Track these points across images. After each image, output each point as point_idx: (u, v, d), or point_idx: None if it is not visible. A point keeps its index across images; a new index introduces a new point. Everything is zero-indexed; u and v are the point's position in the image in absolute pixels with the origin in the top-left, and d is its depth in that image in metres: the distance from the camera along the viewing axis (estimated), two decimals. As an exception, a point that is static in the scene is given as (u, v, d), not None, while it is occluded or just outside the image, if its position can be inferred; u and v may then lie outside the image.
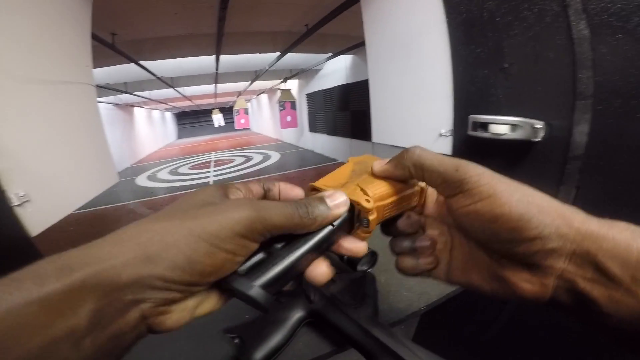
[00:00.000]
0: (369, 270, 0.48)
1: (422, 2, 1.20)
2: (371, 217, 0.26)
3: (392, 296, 0.56)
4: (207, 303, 0.22)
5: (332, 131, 6.85)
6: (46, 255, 0.16)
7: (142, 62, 3.77)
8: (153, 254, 0.17)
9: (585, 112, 0.75)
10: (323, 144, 7.66)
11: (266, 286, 0.21)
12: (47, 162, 1.01)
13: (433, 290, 0.55)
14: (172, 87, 6.20)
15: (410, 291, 0.56)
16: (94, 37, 2.45)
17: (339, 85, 6.12)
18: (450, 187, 0.24)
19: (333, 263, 0.54)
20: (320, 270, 0.25)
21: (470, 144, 1.07)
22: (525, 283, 0.22)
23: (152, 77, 5.01)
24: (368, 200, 0.26)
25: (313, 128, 8.06)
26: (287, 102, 7.76)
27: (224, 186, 0.24)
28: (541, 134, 0.83)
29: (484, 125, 0.93)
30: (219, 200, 0.22)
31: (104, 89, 5.34)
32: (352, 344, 0.42)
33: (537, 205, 0.21)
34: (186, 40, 3.31)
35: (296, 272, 0.24)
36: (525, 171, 0.91)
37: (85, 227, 3.75)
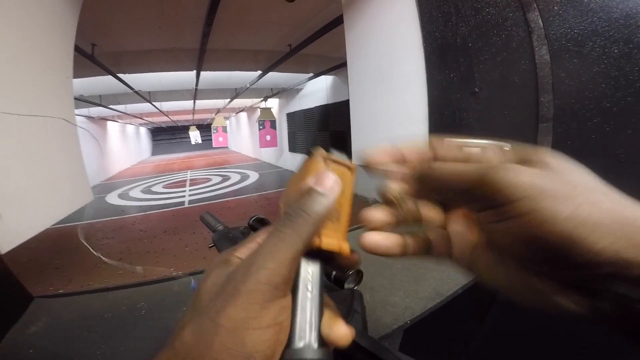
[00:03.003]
0: (355, 288, 0.49)
1: (402, 28, 1.27)
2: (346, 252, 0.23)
3: (377, 312, 0.57)
4: None
5: (312, 151, 6.88)
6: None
7: (120, 75, 3.71)
8: None
9: (547, 134, 0.81)
10: (302, 163, 7.66)
11: (319, 341, 0.19)
12: (18, 179, 0.97)
13: (417, 305, 0.57)
14: (149, 101, 6.09)
15: (395, 307, 0.58)
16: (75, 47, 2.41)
17: (319, 106, 6.24)
18: (476, 205, 0.19)
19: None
20: (340, 331, 0.21)
21: None
22: (571, 304, 0.17)
23: (129, 91, 4.91)
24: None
25: (293, 148, 8.10)
26: (266, 121, 7.79)
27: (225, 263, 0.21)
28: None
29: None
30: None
31: (78, 100, 5.17)
32: (346, 358, 0.43)
33: (595, 221, 0.15)
34: (167, 55, 3.30)
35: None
36: None
37: (49, 241, 3.59)
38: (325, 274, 0.40)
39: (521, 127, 0.88)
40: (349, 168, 0.24)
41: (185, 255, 3.07)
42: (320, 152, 0.23)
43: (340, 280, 0.46)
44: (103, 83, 4.49)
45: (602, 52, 0.71)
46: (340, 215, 0.23)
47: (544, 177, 0.17)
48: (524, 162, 0.19)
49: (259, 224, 0.55)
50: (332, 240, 0.22)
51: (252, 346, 0.16)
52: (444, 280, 0.66)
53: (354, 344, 0.43)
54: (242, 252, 0.21)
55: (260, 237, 0.22)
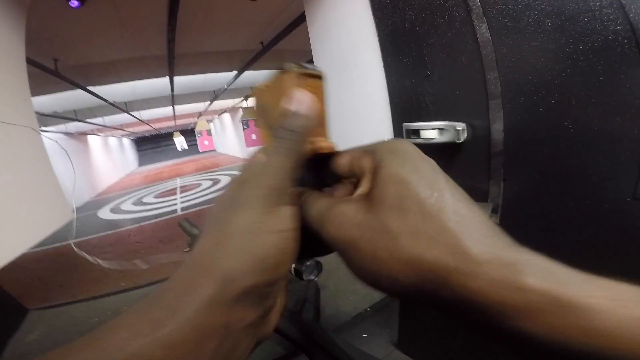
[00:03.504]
0: (316, 279, 0.50)
1: (357, 17, 1.27)
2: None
3: (339, 301, 0.58)
4: (280, 302, 0.22)
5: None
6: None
7: (91, 88, 3.63)
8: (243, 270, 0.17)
9: (497, 110, 0.82)
10: (289, 159, 7.63)
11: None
12: None
13: (376, 292, 0.59)
14: (126, 111, 5.99)
15: (356, 294, 0.60)
16: (35, 64, 2.35)
17: (300, 100, 6.19)
18: None
19: None
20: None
21: None
22: None
23: (104, 103, 4.82)
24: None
25: (279, 144, 8.03)
26: (250, 120, 7.73)
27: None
28: (464, 136, 0.89)
29: (416, 132, 0.97)
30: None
31: (51, 117, 5.05)
32: (298, 347, 0.44)
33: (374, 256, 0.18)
34: (136, 63, 3.24)
35: None
36: (458, 171, 0.96)
37: (47, 263, 3.65)
38: None
39: (474, 106, 0.87)
40: (319, 77, 0.24)
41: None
42: (291, 68, 0.23)
43: (299, 271, 0.47)
44: (76, 97, 4.39)
45: (537, 26, 0.71)
46: (322, 120, 0.24)
47: (351, 234, 0.18)
48: (372, 186, 0.19)
49: None
50: (324, 143, 0.24)
51: (264, 250, 0.17)
52: None
53: (304, 335, 0.44)
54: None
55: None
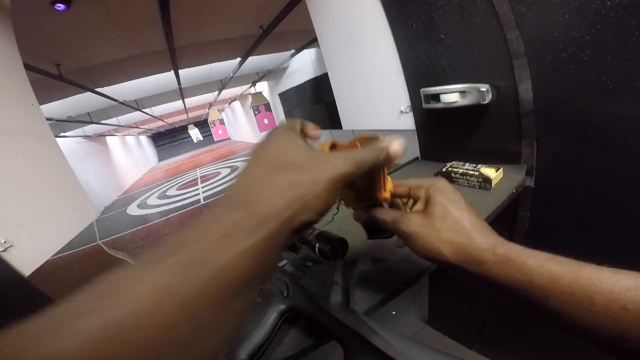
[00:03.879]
0: (341, 258, 0.47)
1: (357, -16, 1.17)
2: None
3: (370, 280, 0.54)
4: None
5: (311, 125, 6.80)
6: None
7: (99, 89, 3.65)
8: (304, 206, 0.22)
9: (523, 70, 0.75)
10: (304, 140, 7.59)
11: None
12: (20, 209, 1.06)
13: (408, 269, 0.55)
14: (138, 109, 6.04)
15: (387, 272, 0.56)
16: (38, 70, 2.36)
17: (309, 80, 6.06)
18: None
19: (305, 255, 0.52)
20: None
21: (429, 117, 1.08)
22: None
23: (114, 103, 4.86)
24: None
25: (292, 126, 7.98)
26: (260, 105, 7.65)
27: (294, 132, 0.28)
28: (489, 97, 0.83)
29: (436, 97, 0.92)
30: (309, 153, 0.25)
31: (66, 122, 5.17)
32: (327, 333, 0.42)
33: (430, 246, 0.34)
34: (138, 60, 3.20)
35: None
36: (486, 133, 0.90)
37: (87, 262, 3.86)
38: (310, 246, 0.47)
39: (497, 67, 0.80)
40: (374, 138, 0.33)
41: None
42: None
43: (324, 251, 0.45)
44: (86, 100, 4.45)
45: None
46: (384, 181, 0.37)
47: (417, 227, 0.34)
48: (427, 203, 0.36)
49: None
50: (386, 194, 0.37)
51: (329, 204, 0.24)
52: None
53: (333, 318, 0.40)
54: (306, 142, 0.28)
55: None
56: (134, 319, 0.14)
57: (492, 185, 0.74)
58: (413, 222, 0.34)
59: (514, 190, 0.74)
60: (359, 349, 0.36)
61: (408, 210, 0.39)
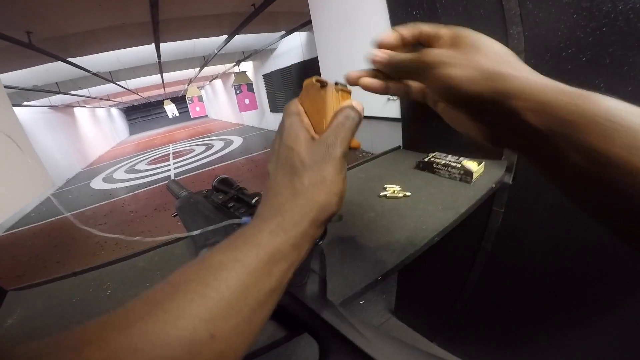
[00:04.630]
0: (319, 243, 0.44)
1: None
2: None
3: (345, 269, 0.52)
4: None
5: (294, 110, 6.69)
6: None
7: (71, 59, 3.35)
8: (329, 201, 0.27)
9: None
10: (286, 124, 7.49)
11: None
12: None
13: (388, 258, 0.53)
14: (112, 81, 5.65)
15: (365, 261, 0.54)
16: (6, 37, 2.12)
17: (296, 63, 5.92)
18: (418, 76, 0.30)
19: None
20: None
21: (415, 106, 1.06)
22: (479, 132, 0.30)
23: (87, 74, 4.51)
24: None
25: (274, 108, 7.83)
26: (243, 85, 7.42)
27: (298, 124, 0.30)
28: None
29: None
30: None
31: (31, 91, 4.76)
32: (301, 325, 0.38)
33: (470, 77, 0.25)
34: (118, 31, 2.95)
35: None
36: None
37: (44, 237, 3.72)
38: None
39: None
40: (349, 92, 0.32)
41: (179, 228, 3.03)
42: (330, 83, 0.30)
43: None
44: (56, 70, 4.10)
45: (572, -17, 0.61)
46: None
47: (446, 54, 0.26)
48: (453, 44, 0.27)
49: (223, 184, 0.58)
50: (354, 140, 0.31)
51: (342, 190, 0.27)
52: (418, 229, 0.60)
53: (308, 309, 0.38)
54: (306, 130, 0.29)
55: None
56: (235, 295, 0.21)
57: (473, 179, 0.75)
58: (441, 53, 0.26)
59: (494, 185, 0.75)
60: (336, 346, 0.33)
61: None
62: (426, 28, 0.28)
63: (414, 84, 0.33)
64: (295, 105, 0.31)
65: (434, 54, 0.26)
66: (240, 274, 0.22)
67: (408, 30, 0.30)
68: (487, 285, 0.97)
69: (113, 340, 0.17)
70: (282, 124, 0.30)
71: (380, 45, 0.31)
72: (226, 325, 0.20)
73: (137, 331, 0.18)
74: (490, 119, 0.26)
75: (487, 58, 0.24)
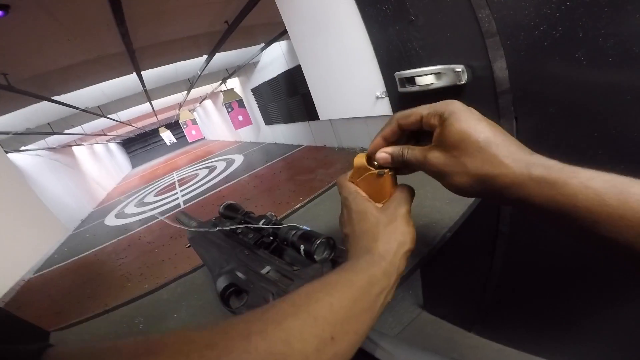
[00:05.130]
0: (330, 259, 0.44)
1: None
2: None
3: None
4: None
5: (289, 119, 6.71)
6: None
7: (56, 97, 3.40)
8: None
9: (496, 48, 0.74)
10: (283, 133, 7.51)
11: None
12: None
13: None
14: (103, 115, 5.74)
15: None
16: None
17: (282, 73, 5.96)
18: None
19: (290, 258, 0.50)
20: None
21: (405, 101, 1.06)
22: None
23: (76, 111, 4.59)
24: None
25: (268, 121, 7.87)
26: (233, 102, 7.47)
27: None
28: (465, 77, 0.82)
29: (411, 80, 0.90)
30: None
31: (25, 134, 4.84)
32: None
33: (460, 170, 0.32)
34: (96, 64, 3.00)
35: None
36: None
37: (72, 274, 3.82)
38: (294, 248, 0.45)
39: (470, 47, 0.79)
40: (393, 173, 0.38)
41: (196, 255, 3.17)
42: (386, 172, 0.37)
43: (309, 252, 0.42)
44: (44, 110, 4.17)
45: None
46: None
47: (443, 163, 0.32)
48: (441, 134, 0.32)
49: (229, 210, 0.60)
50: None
51: (412, 232, 0.35)
52: (429, 227, 0.60)
53: None
54: (370, 203, 0.38)
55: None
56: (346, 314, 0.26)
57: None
58: (435, 160, 0.32)
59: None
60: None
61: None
62: (411, 119, 0.35)
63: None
64: (350, 184, 0.39)
65: (433, 163, 0.33)
66: (353, 290, 0.28)
67: (397, 127, 0.37)
68: (514, 268, 0.96)
69: (271, 332, 0.22)
70: (345, 199, 0.38)
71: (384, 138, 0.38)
72: (342, 329, 0.25)
73: (287, 326, 0.23)
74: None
75: (474, 160, 0.29)
